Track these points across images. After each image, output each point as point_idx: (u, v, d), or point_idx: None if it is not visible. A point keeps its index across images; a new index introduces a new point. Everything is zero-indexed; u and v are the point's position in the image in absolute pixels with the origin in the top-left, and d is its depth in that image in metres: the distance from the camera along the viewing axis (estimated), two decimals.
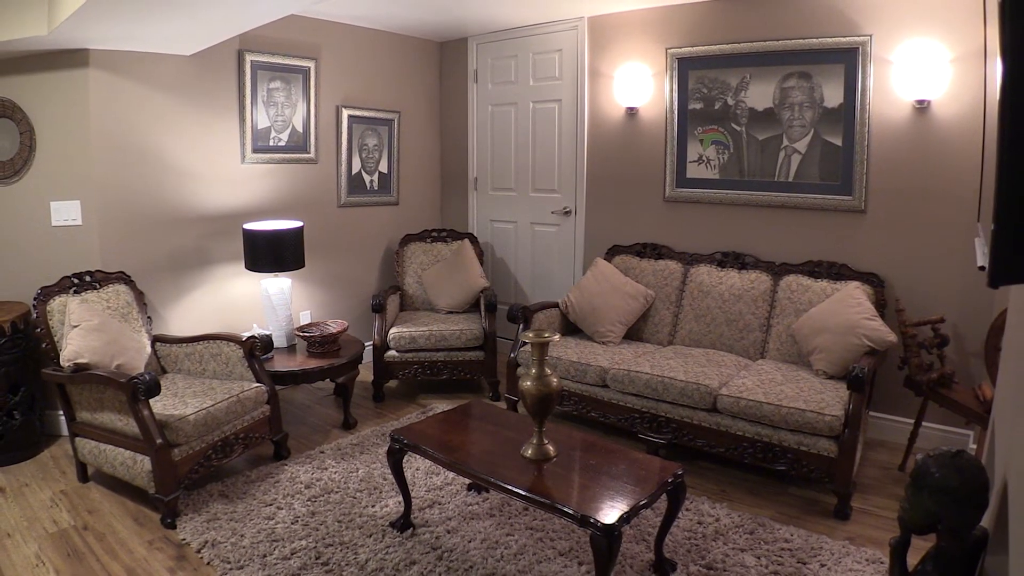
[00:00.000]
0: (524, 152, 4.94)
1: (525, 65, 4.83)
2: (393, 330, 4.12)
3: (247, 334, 3.49)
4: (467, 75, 5.16)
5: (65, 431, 3.14)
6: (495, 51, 4.98)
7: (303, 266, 4.03)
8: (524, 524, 2.75)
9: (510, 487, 2.26)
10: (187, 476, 2.83)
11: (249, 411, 3.14)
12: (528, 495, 2.22)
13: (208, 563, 2.48)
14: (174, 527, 2.72)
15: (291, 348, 3.89)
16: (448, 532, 2.69)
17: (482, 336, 4.15)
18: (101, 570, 2.45)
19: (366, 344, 4.20)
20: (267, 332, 3.78)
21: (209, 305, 4.05)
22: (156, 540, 2.65)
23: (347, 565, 2.46)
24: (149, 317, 3.49)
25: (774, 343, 3.57)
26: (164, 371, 3.44)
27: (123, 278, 3.44)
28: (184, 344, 3.41)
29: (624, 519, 2.06)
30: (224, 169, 4.05)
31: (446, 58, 5.31)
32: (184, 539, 2.64)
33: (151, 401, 2.76)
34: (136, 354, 3.11)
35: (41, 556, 2.53)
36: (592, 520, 2.04)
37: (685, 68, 4.06)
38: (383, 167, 4.98)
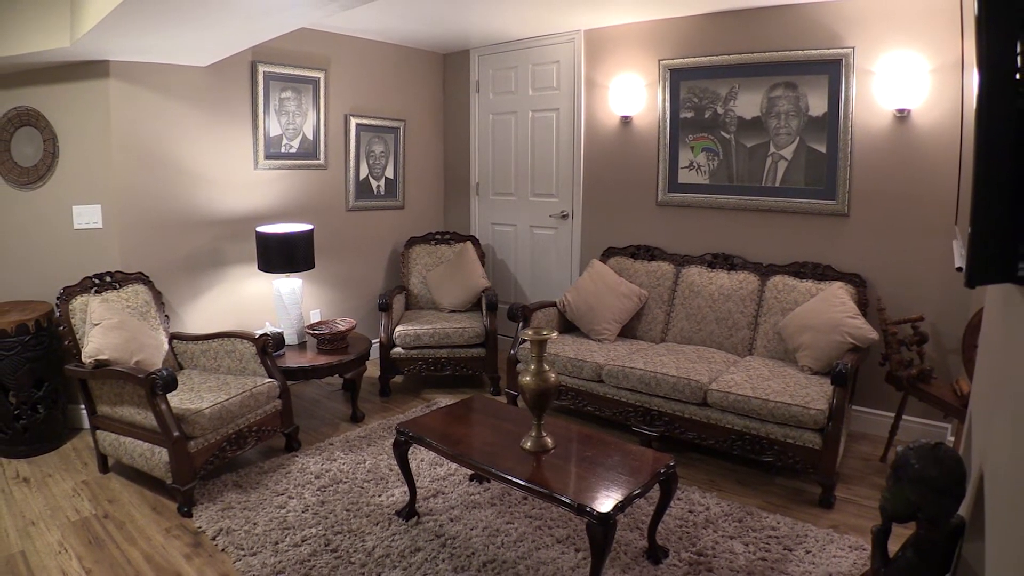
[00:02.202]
0: (524, 159, 4.93)
1: (524, 76, 4.82)
2: (399, 328, 4.11)
3: (260, 332, 3.49)
4: (469, 85, 5.16)
5: (87, 424, 3.14)
6: (496, 62, 4.98)
7: (313, 267, 4.03)
8: (523, 513, 2.75)
9: (510, 477, 2.26)
10: (203, 467, 2.83)
11: (262, 405, 3.14)
12: (527, 485, 2.22)
13: (223, 550, 2.48)
14: (190, 515, 2.72)
15: (302, 345, 3.89)
16: (451, 520, 2.69)
17: (483, 334, 4.15)
18: (121, 556, 2.45)
19: (373, 341, 4.20)
20: (279, 330, 3.77)
21: (223, 304, 4.05)
22: (173, 528, 2.65)
23: (355, 551, 2.46)
24: (166, 315, 3.49)
25: (761, 340, 3.57)
26: (181, 367, 3.43)
27: (142, 278, 3.44)
28: (200, 341, 3.40)
29: (619, 508, 2.06)
30: (238, 174, 4.05)
31: (449, 69, 5.30)
32: (200, 527, 2.64)
33: (168, 396, 2.76)
34: (154, 351, 3.10)
35: (64, 543, 2.53)
36: (588, 509, 2.04)
37: (677, 79, 4.06)
38: (389, 173, 4.98)
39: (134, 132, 3.54)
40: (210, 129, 3.87)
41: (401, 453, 2.66)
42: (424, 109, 5.22)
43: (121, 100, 3.46)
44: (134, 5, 2.43)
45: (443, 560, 2.41)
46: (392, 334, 4.11)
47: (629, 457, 2.42)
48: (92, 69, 3.40)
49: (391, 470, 3.11)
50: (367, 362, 3.88)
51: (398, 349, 4.10)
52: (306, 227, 3.96)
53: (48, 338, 3.31)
